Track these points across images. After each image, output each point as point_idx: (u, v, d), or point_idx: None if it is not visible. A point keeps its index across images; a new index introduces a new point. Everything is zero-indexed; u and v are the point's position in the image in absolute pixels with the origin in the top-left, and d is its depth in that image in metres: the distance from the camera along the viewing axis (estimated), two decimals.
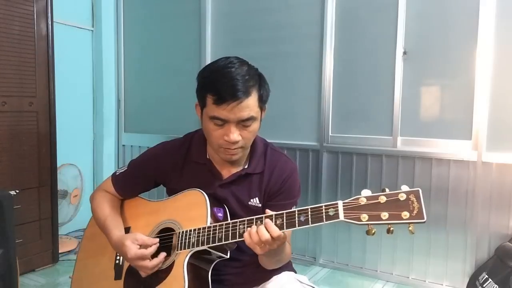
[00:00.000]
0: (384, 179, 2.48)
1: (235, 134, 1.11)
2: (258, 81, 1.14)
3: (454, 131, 2.32)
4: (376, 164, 2.51)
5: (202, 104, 1.15)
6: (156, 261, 1.14)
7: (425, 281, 2.43)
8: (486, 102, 2.22)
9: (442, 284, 2.39)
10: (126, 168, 1.35)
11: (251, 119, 1.12)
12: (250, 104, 1.10)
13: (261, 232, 1.00)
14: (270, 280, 1.23)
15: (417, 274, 2.45)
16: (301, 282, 1.21)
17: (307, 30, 2.67)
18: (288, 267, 1.30)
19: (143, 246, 1.15)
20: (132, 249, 1.14)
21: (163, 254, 1.16)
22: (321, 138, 2.66)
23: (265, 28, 2.80)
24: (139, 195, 1.37)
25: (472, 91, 2.25)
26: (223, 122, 1.11)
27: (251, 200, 1.24)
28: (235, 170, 1.25)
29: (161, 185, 1.36)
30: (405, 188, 0.94)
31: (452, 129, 2.32)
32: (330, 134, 2.64)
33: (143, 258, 1.14)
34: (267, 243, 1.00)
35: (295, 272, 1.30)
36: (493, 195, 2.24)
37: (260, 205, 1.24)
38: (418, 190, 0.92)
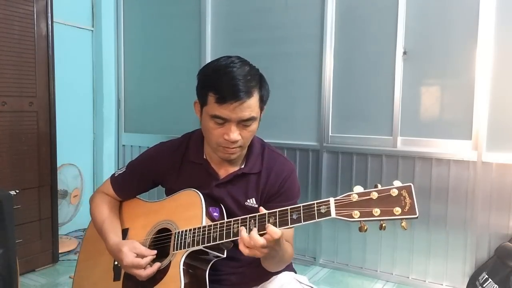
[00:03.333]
0: (384, 179, 2.48)
1: (235, 134, 1.11)
2: (259, 81, 1.14)
3: (454, 131, 2.32)
4: (376, 164, 2.51)
5: (203, 102, 1.14)
6: (149, 271, 1.14)
7: (425, 281, 2.43)
8: (486, 102, 2.22)
9: (442, 284, 2.39)
10: (124, 170, 1.35)
11: (252, 119, 1.12)
12: (251, 105, 1.10)
13: (254, 239, 0.98)
14: (269, 280, 1.23)
15: (417, 274, 2.45)
16: (300, 282, 1.21)
17: (307, 30, 2.67)
18: (288, 267, 1.29)
19: (140, 255, 1.15)
20: (129, 256, 1.14)
21: (157, 265, 1.16)
22: (321, 138, 2.66)
23: (265, 28, 2.80)
24: (137, 196, 1.37)
25: (472, 91, 2.25)
26: (224, 121, 1.11)
27: (248, 200, 1.23)
28: (232, 170, 1.24)
29: (160, 185, 1.36)
30: (397, 183, 0.92)
31: (452, 129, 2.32)
32: (330, 134, 2.64)
33: (138, 267, 1.14)
34: (263, 247, 0.99)
35: (295, 272, 1.29)
36: (493, 195, 2.24)
37: (256, 205, 1.23)
38: (410, 186, 0.90)
